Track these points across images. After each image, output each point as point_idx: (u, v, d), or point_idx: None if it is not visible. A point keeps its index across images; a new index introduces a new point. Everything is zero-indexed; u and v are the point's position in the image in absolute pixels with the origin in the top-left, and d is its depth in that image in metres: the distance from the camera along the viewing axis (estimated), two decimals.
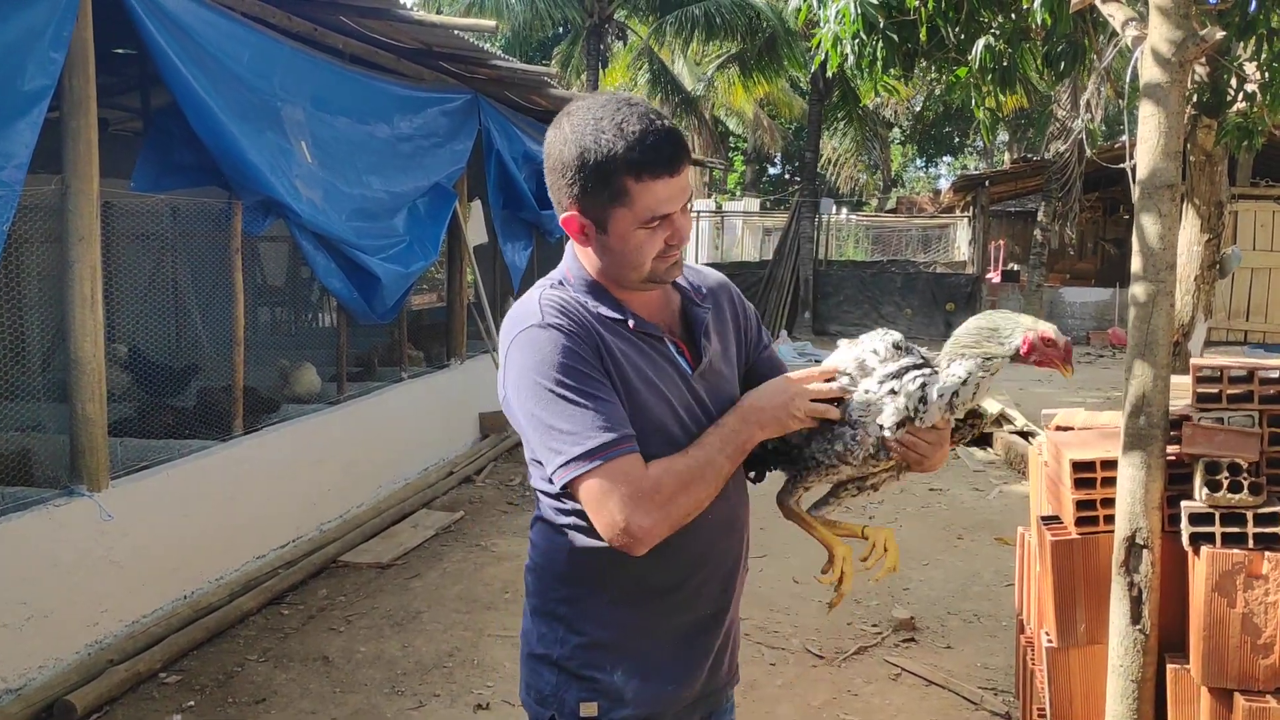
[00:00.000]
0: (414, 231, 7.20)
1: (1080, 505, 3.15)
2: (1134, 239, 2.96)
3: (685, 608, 1.87)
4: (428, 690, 4.32)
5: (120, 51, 7.02)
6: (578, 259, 1.84)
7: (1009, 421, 8.97)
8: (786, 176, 35.03)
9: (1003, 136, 27.01)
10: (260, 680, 4.39)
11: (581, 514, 1.74)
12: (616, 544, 1.68)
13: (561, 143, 1.72)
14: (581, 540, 1.81)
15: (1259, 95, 5.01)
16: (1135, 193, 2.97)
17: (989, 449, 8.87)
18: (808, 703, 4.25)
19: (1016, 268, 20.28)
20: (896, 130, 32.80)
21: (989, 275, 19.59)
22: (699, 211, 21.83)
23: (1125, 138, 4.24)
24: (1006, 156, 27.43)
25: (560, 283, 1.84)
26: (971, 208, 20.97)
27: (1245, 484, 2.74)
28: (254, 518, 5.55)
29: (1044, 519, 3.43)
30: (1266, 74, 4.85)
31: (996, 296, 18.91)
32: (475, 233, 8.84)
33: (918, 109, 28.66)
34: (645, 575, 1.82)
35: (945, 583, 5.64)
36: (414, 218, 7.27)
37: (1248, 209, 15.92)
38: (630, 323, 1.79)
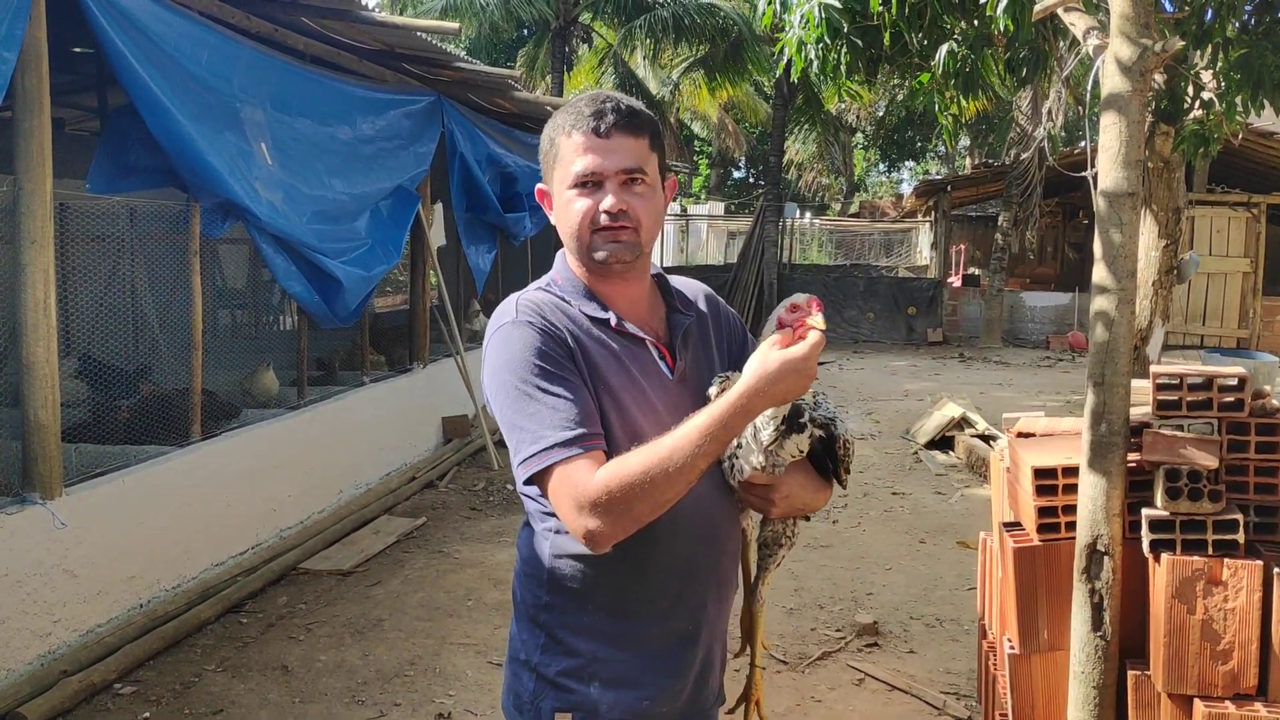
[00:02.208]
0: (376, 234, 7.15)
1: (1042, 512, 3.16)
2: (1095, 246, 2.98)
3: (664, 620, 1.84)
4: (388, 699, 4.27)
5: (78, 50, 6.91)
6: (566, 262, 1.89)
7: (970, 425, 9.03)
8: (751, 180, 35.16)
9: (964, 142, 27.23)
10: (218, 690, 4.32)
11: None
12: (580, 542, 1.67)
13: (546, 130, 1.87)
14: (562, 546, 1.80)
15: (1215, 103, 5.07)
16: (1097, 201, 2.99)
17: (950, 453, 8.92)
18: (772, 709, 4.23)
19: (977, 272, 20.50)
20: (859, 135, 33.04)
21: (950, 279, 19.79)
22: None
23: (1085, 144, 4.27)
24: (968, 161, 27.65)
25: (547, 285, 1.88)
26: (933, 212, 21.17)
27: (1205, 491, 2.76)
28: (212, 525, 5.47)
29: (1006, 525, 3.44)
30: (1222, 82, 4.90)
31: (958, 300, 19.09)
32: (438, 235, 8.78)
33: (880, 114, 28.84)
34: (623, 586, 1.80)
35: (908, 587, 5.66)
36: (376, 220, 7.21)
37: (1204, 215, 16.17)
38: (612, 321, 1.82)
